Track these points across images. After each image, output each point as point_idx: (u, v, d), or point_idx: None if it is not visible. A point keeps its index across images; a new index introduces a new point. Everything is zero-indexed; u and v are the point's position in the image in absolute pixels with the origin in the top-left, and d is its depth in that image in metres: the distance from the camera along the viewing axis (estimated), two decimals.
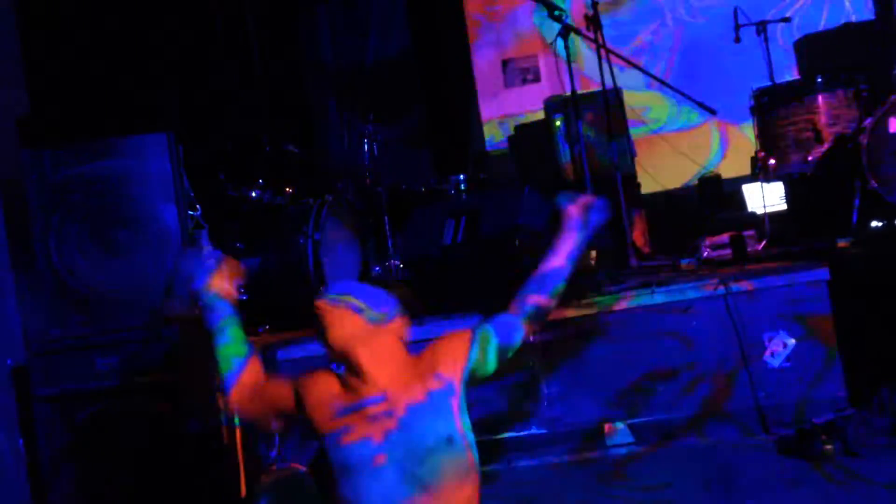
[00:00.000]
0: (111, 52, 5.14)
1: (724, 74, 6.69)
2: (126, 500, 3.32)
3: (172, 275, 2.58)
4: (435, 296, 4.23)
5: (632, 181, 5.96)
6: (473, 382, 2.35)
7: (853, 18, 6.64)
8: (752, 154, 5.64)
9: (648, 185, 6.55)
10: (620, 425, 4.04)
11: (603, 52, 5.13)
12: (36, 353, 3.44)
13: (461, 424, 2.26)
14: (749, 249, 4.99)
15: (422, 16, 7.69)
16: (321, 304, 2.31)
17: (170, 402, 3.35)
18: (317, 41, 7.58)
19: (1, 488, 3.29)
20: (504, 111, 7.70)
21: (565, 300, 4.08)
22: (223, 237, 4.50)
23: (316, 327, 2.32)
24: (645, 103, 7.07)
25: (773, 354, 4.00)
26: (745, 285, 4.04)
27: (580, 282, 4.33)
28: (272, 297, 4.70)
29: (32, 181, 3.53)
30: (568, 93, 5.24)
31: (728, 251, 5.05)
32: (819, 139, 5.12)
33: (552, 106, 6.22)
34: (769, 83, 5.70)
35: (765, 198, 5.29)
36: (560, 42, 5.08)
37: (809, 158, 5.15)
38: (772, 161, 5.27)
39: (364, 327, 2.27)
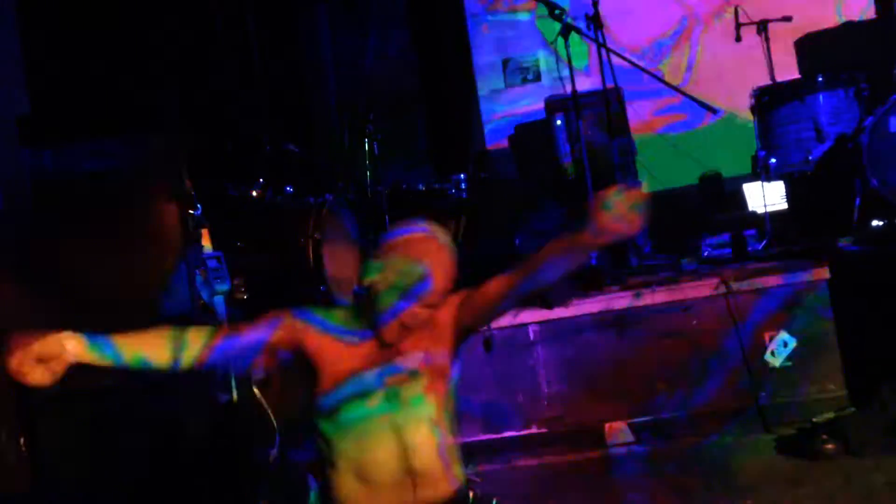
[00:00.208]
0: (111, 52, 5.14)
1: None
2: (127, 500, 3.32)
3: None
4: None
5: (632, 180, 5.95)
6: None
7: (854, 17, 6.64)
8: (753, 153, 5.64)
9: (649, 184, 6.54)
10: (621, 425, 4.04)
11: (604, 51, 5.12)
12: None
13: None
14: (750, 249, 4.99)
15: (422, 15, 7.69)
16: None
17: (171, 401, 3.35)
18: (317, 41, 7.57)
19: (2, 487, 3.29)
20: (504, 111, 7.70)
21: (566, 299, 4.11)
22: (224, 236, 4.50)
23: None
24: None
25: (773, 353, 4.00)
26: (746, 284, 4.04)
27: (581, 281, 4.34)
28: (272, 296, 4.69)
29: (33, 180, 3.53)
30: (568, 92, 5.24)
31: (729, 250, 5.05)
32: (820, 138, 5.12)
33: (553, 105, 6.22)
34: (770, 82, 5.70)
35: (765, 197, 5.28)
36: (561, 41, 5.08)
37: (810, 158, 5.15)
38: (773, 160, 5.27)
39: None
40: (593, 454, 3.98)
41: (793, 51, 6.36)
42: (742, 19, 5.92)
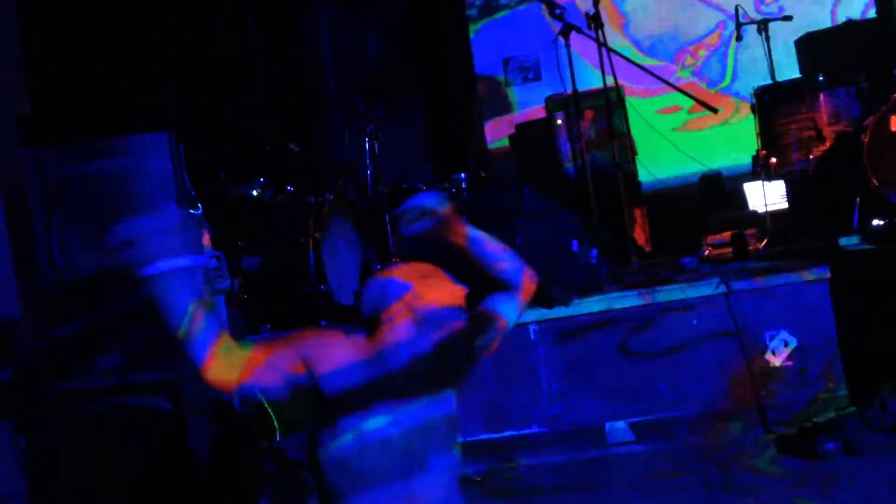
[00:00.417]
0: (111, 52, 5.14)
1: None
2: (127, 500, 3.32)
3: None
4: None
5: (633, 179, 5.96)
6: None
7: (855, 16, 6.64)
8: (754, 152, 5.64)
9: (649, 183, 6.55)
10: (621, 424, 4.04)
11: (604, 49, 5.12)
12: (37, 350, 3.44)
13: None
14: (750, 248, 4.99)
15: (422, 14, 7.69)
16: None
17: (171, 401, 3.35)
18: (317, 41, 7.57)
19: (1, 486, 3.29)
20: (505, 110, 7.70)
21: (566, 299, 4.11)
22: (224, 236, 4.50)
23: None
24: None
25: (774, 353, 3.99)
26: (747, 284, 4.04)
27: (582, 280, 4.34)
28: (273, 296, 4.70)
29: (33, 180, 3.53)
30: (569, 91, 5.24)
31: (729, 249, 5.04)
32: (820, 137, 5.12)
33: (553, 104, 6.22)
34: (770, 81, 5.70)
35: (766, 196, 5.29)
36: (561, 40, 5.08)
37: (811, 157, 5.15)
38: (773, 159, 5.26)
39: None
40: (594, 453, 3.98)
41: (793, 50, 6.37)
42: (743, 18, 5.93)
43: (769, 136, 5.36)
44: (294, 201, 5.09)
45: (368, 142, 5.64)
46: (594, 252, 4.45)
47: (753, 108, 5.49)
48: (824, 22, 6.80)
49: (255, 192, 5.05)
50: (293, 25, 7.38)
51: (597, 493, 3.58)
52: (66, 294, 3.47)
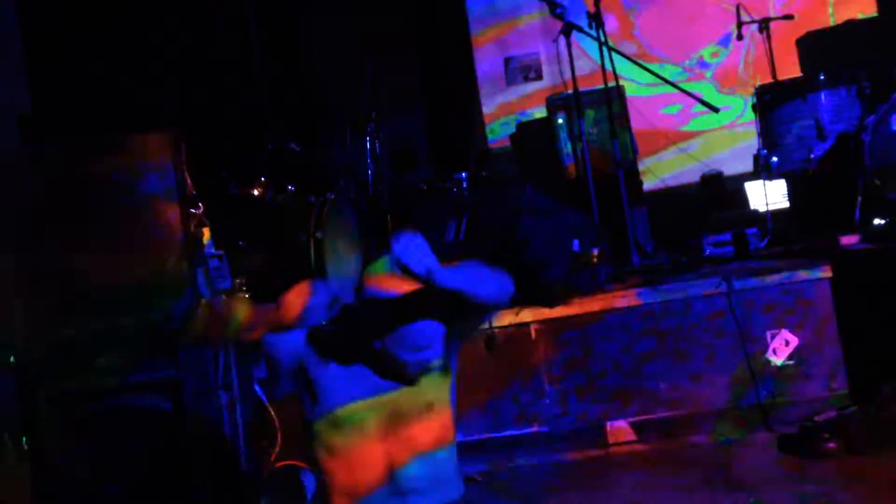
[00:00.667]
0: (111, 52, 5.14)
1: None
2: (127, 500, 3.32)
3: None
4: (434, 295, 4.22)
5: (634, 178, 5.95)
6: None
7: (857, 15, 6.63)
8: (755, 151, 5.63)
9: (651, 182, 6.54)
10: (622, 423, 4.04)
11: (605, 48, 5.12)
12: (38, 351, 3.44)
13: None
14: (751, 247, 4.99)
15: (423, 13, 7.68)
16: None
17: (171, 401, 3.35)
18: (318, 40, 7.57)
19: (3, 486, 3.29)
20: (506, 109, 7.70)
21: (567, 298, 4.11)
22: (225, 235, 4.50)
23: None
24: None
25: (775, 352, 3.99)
26: (748, 283, 4.04)
27: (583, 279, 4.34)
28: (274, 295, 4.69)
29: (34, 179, 3.53)
30: (570, 90, 5.24)
31: (730, 249, 5.04)
32: (821, 137, 5.11)
33: (554, 103, 6.22)
34: (771, 80, 5.69)
35: (767, 195, 5.28)
36: (562, 39, 5.08)
37: (812, 156, 5.14)
38: (774, 158, 5.26)
39: None
40: (595, 453, 3.98)
41: (794, 49, 6.36)
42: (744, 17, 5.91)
43: (770, 135, 5.36)
44: (295, 201, 5.09)
45: (369, 141, 5.64)
46: (595, 251, 4.45)
47: (754, 107, 5.48)
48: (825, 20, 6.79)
49: (255, 192, 5.04)
50: (294, 24, 7.38)
51: (598, 492, 3.58)
52: (66, 295, 3.47)
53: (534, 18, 7.55)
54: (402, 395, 2.22)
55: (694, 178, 6.88)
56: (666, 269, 4.77)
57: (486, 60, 7.77)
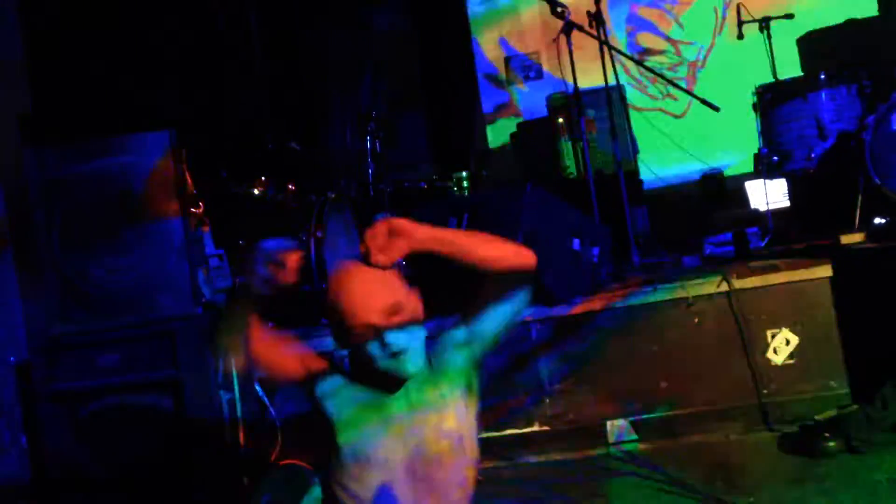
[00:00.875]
0: (112, 52, 5.15)
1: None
2: (128, 498, 3.32)
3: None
4: (436, 293, 4.23)
5: (634, 177, 5.96)
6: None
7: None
8: (755, 150, 5.63)
9: (651, 182, 6.55)
10: (623, 422, 4.04)
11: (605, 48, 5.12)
12: (39, 349, 3.44)
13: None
14: (752, 246, 4.99)
15: (424, 12, 7.69)
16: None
17: (172, 399, 3.35)
18: (318, 39, 7.58)
19: (4, 484, 3.30)
20: (506, 108, 7.70)
21: (568, 297, 4.11)
22: (225, 235, 4.50)
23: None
24: None
25: (775, 351, 3.99)
26: (748, 282, 4.04)
27: (583, 278, 4.34)
28: (274, 294, 4.68)
29: (35, 179, 3.53)
30: (570, 90, 5.24)
31: (731, 248, 5.04)
32: (822, 136, 5.10)
33: (554, 103, 6.22)
34: (772, 79, 5.69)
35: (768, 194, 5.28)
36: (563, 39, 5.08)
37: (812, 155, 5.14)
38: (775, 158, 5.26)
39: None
40: (595, 452, 3.97)
41: (795, 48, 6.36)
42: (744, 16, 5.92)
43: (771, 134, 5.36)
44: (295, 200, 5.10)
45: (370, 140, 5.64)
46: (595, 250, 4.45)
47: (755, 107, 5.48)
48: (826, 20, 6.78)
49: (256, 191, 5.05)
50: (295, 23, 7.39)
51: (598, 491, 3.58)
52: (67, 293, 3.48)
53: (534, 18, 7.55)
54: (426, 427, 2.15)
55: (694, 177, 6.89)
56: (666, 267, 4.77)
57: (487, 59, 7.77)
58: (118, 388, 3.39)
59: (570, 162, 6.09)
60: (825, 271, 3.99)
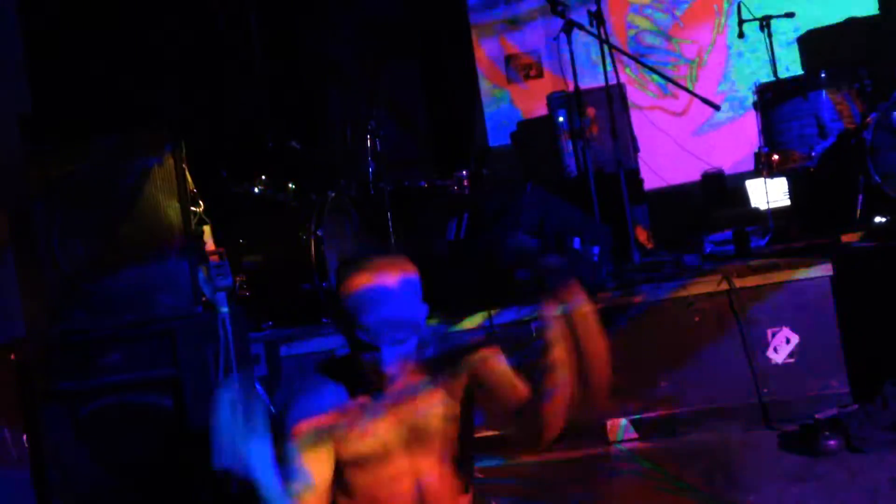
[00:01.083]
0: (112, 52, 5.15)
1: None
2: (129, 496, 3.32)
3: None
4: (436, 293, 4.23)
5: (635, 176, 5.95)
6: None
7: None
8: (756, 149, 5.63)
9: (652, 181, 6.54)
10: (623, 421, 4.03)
11: (606, 47, 5.12)
12: (39, 348, 3.44)
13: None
14: (752, 245, 4.98)
15: (424, 11, 7.68)
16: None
17: (172, 398, 3.35)
18: (318, 38, 7.58)
19: (4, 484, 3.29)
20: (507, 107, 7.70)
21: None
22: (226, 234, 4.51)
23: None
24: None
25: (776, 350, 3.99)
26: (749, 281, 4.04)
27: (584, 277, 4.33)
28: (275, 293, 4.70)
29: (35, 177, 3.53)
30: (570, 89, 5.24)
31: (731, 247, 5.04)
32: (822, 134, 5.11)
33: (555, 102, 6.22)
34: (773, 78, 5.69)
35: (768, 193, 5.28)
36: (563, 38, 5.08)
37: (813, 154, 5.14)
38: (775, 156, 5.26)
39: None
40: (595, 451, 3.97)
41: (795, 47, 6.36)
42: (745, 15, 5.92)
43: (771, 133, 5.35)
44: (296, 199, 5.10)
45: (370, 139, 5.64)
46: (596, 249, 4.45)
47: (755, 106, 5.48)
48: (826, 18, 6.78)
49: (256, 190, 5.05)
50: (295, 23, 7.38)
51: (598, 490, 3.58)
52: (67, 292, 3.48)
53: (535, 16, 7.55)
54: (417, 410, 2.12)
55: (695, 175, 6.88)
56: (666, 266, 4.77)
57: (487, 58, 7.77)
58: (118, 388, 3.39)
59: (570, 161, 6.08)
60: (825, 270, 3.99)
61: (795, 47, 6.40)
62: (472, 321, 4.12)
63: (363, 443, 2.09)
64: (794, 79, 5.53)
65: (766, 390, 3.95)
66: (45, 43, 4.56)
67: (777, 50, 5.85)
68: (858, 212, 4.61)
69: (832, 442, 3.50)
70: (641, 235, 5.14)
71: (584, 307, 2.04)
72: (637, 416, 4.03)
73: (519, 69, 7.70)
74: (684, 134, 7.15)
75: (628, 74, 6.21)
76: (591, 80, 5.54)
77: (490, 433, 4.05)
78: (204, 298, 3.57)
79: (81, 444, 3.35)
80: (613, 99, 5.29)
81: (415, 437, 2.13)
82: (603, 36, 5.09)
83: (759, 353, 3.98)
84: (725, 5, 7.24)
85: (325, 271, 4.64)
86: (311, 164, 5.54)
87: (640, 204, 5.85)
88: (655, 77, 6.90)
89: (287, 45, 7.21)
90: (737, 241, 4.96)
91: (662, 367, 4.05)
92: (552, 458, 3.87)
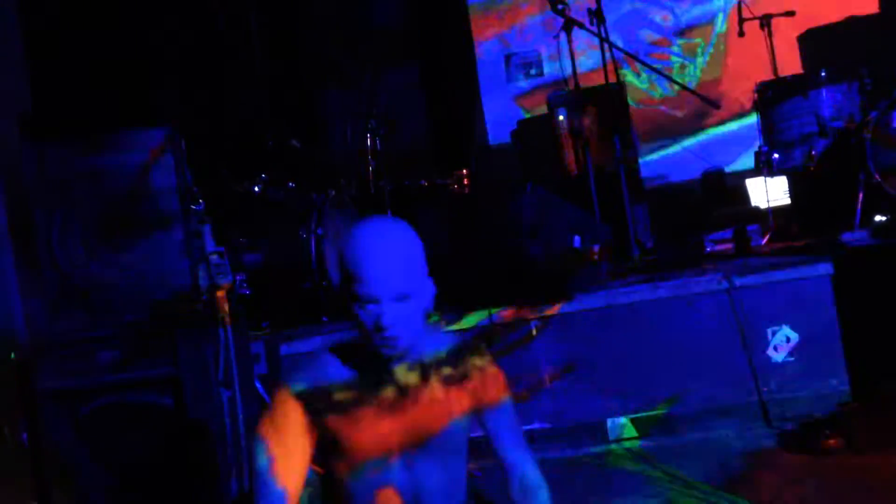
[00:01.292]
0: (112, 52, 5.15)
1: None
2: (129, 496, 3.32)
3: None
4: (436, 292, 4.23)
5: (635, 175, 5.95)
6: None
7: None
8: (756, 148, 5.63)
9: (652, 179, 6.55)
10: (623, 420, 4.04)
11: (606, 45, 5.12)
12: (39, 347, 3.44)
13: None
14: (752, 244, 4.98)
15: (423, 10, 7.68)
16: None
17: (172, 398, 3.34)
18: (318, 38, 7.58)
19: (4, 483, 3.30)
20: (507, 106, 7.69)
21: (568, 295, 4.11)
22: (226, 232, 4.51)
23: None
24: None
25: (776, 349, 3.99)
26: (749, 280, 4.04)
27: (584, 276, 4.34)
28: (275, 292, 4.70)
29: (34, 176, 3.53)
30: (571, 87, 5.24)
31: (731, 245, 5.04)
32: (823, 133, 5.10)
33: (555, 100, 6.21)
34: (773, 77, 5.69)
35: (768, 192, 5.28)
36: (564, 36, 5.08)
37: (813, 153, 5.14)
38: (775, 155, 5.26)
39: None
40: (595, 449, 3.98)
41: (795, 45, 6.35)
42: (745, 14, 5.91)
43: (771, 131, 5.35)
44: (296, 197, 5.10)
45: (370, 138, 5.64)
46: (596, 248, 4.45)
47: (755, 104, 5.48)
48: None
49: (256, 189, 5.05)
50: (295, 22, 7.39)
51: (598, 488, 3.58)
52: (67, 292, 3.48)
53: (534, 15, 7.55)
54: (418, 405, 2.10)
55: (695, 174, 6.88)
56: (667, 265, 4.77)
57: (487, 57, 7.77)
58: (118, 387, 3.38)
59: (570, 159, 6.08)
60: (826, 269, 3.99)
61: (796, 45, 6.40)
62: (473, 320, 4.12)
63: (359, 437, 2.08)
64: (795, 77, 5.53)
65: (765, 389, 3.95)
66: (45, 42, 4.56)
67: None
68: (858, 210, 4.61)
69: (832, 441, 3.50)
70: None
71: None
72: (637, 415, 4.03)
73: (520, 67, 7.69)
74: (685, 132, 7.15)
75: (628, 73, 6.21)
76: (591, 78, 5.54)
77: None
78: (204, 297, 3.57)
79: (81, 444, 3.35)
80: (613, 97, 5.30)
81: (414, 438, 2.13)
82: (603, 34, 5.08)
83: (759, 352, 3.98)
84: (726, 4, 7.23)
85: (325, 270, 4.64)
86: (311, 162, 5.55)
87: (641, 203, 5.84)
88: (655, 75, 6.89)
89: (287, 45, 7.21)
90: (737, 240, 4.96)
91: (663, 365, 4.05)
92: (552, 457, 3.88)
